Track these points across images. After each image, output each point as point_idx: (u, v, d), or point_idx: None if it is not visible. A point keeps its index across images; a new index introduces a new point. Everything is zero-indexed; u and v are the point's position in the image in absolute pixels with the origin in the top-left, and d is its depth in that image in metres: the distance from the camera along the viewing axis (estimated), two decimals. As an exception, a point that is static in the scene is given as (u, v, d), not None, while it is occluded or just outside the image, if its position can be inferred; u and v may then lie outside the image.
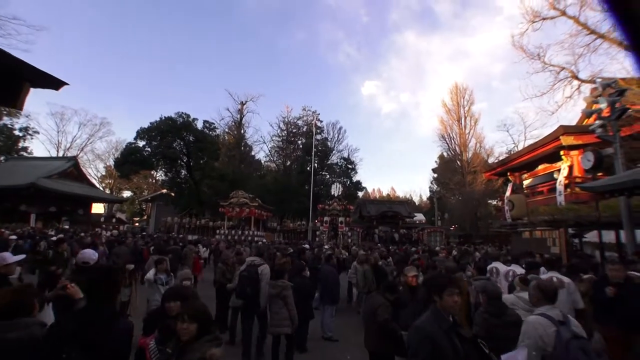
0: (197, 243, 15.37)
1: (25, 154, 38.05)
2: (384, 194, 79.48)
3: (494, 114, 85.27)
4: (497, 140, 79.58)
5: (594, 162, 9.62)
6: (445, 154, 41.35)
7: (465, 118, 37.32)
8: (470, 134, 36.83)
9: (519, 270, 5.31)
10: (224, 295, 6.63)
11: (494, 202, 38.61)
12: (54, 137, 48.00)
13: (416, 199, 66.41)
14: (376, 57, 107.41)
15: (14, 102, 3.08)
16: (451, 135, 37.78)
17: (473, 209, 30.96)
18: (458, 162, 38.00)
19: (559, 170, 16.25)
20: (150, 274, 5.24)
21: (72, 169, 31.05)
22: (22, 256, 4.12)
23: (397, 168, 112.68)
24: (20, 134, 38.48)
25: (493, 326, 3.19)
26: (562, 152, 15.85)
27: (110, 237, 17.15)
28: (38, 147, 72.09)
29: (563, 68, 11.76)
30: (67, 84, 3.07)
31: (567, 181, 14.96)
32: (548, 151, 16.23)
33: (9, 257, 3.71)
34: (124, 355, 2.14)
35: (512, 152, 35.42)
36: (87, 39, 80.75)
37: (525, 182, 22.26)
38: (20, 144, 38.68)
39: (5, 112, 36.39)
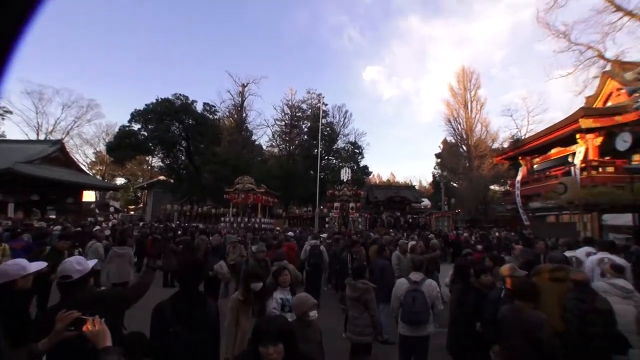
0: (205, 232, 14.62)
1: (-1, 137, 34.66)
2: (384, 179, 79.21)
3: (492, 102, 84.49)
4: (500, 126, 79.07)
5: (631, 142, 9.23)
6: (450, 138, 40.97)
7: (472, 102, 36.84)
8: (476, 118, 36.41)
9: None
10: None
11: (497, 187, 38.62)
12: (32, 119, 43.90)
13: (417, 185, 66.17)
14: (379, 42, 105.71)
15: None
16: (457, 119, 37.36)
17: (480, 193, 30.76)
18: (464, 147, 37.66)
19: (573, 154, 16.01)
20: (277, 296, 3.72)
21: (57, 154, 28.62)
22: (44, 264, 2.76)
23: (396, 154, 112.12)
24: (-10, 115, 33.99)
25: (585, 312, 3.16)
26: (578, 136, 15.58)
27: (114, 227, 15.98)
28: (13, 130, 66.35)
29: (590, 47, 11.26)
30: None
31: (582, 165, 14.72)
32: (564, 134, 15.96)
33: (29, 266, 2.54)
34: (216, 330, 2.64)
35: (515, 137, 35.22)
36: (69, 11, 78.09)
37: (537, 167, 22.11)
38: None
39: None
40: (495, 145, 35.94)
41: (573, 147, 16.06)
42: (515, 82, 79.43)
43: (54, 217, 22.57)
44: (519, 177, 22.13)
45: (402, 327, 4.05)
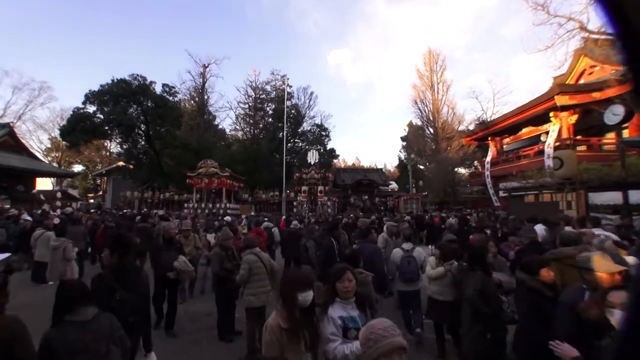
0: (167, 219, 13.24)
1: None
2: (349, 163, 79.12)
3: (457, 85, 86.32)
4: (465, 108, 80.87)
5: (623, 115, 8.88)
6: (416, 121, 41.10)
7: (438, 84, 36.86)
8: (443, 100, 36.53)
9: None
10: (225, 293, 5.17)
11: (463, 170, 39.40)
12: None
13: (382, 168, 66.60)
14: (344, 25, 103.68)
15: None
16: (424, 101, 37.30)
17: (448, 175, 31.00)
18: (430, 129, 37.83)
19: (546, 133, 16.01)
20: (336, 314, 2.34)
21: (6, 138, 26.29)
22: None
23: (361, 138, 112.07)
24: None
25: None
26: (551, 114, 15.55)
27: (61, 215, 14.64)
28: None
29: (570, 18, 10.83)
30: None
31: (557, 143, 14.72)
32: (537, 113, 15.87)
33: None
34: (148, 292, 3.28)
35: (481, 119, 35.96)
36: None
37: (506, 147, 22.30)
38: None
39: None
40: (462, 128, 36.46)
41: (545, 126, 16.07)
42: (479, 65, 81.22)
43: (8, 206, 20.54)
44: (488, 158, 22.22)
45: (400, 285, 5.21)
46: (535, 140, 17.78)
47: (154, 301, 5.08)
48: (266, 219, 11.48)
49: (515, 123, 18.47)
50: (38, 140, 46.13)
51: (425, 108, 37.37)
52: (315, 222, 12.24)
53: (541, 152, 14.99)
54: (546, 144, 14.65)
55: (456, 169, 37.34)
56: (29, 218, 10.69)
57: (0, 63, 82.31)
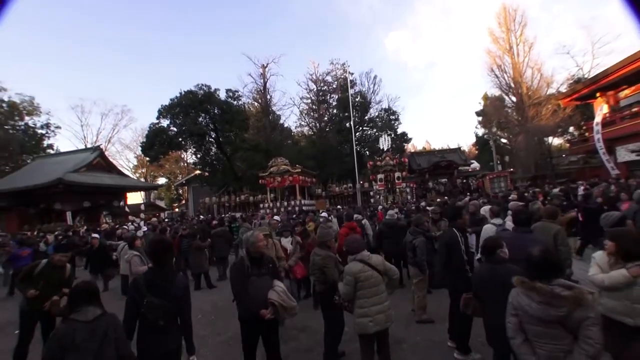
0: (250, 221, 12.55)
1: (51, 151, 37.57)
2: (419, 148, 75.16)
3: (539, 45, 75.28)
4: (554, 67, 64.01)
5: None
6: (493, 91, 36.87)
7: (518, 45, 32.31)
8: (525, 62, 31.92)
9: None
10: (332, 310, 3.95)
11: (556, 140, 34.49)
12: (79, 132, 47.48)
13: (459, 147, 61.84)
14: (400, 4, 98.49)
15: None
16: (502, 67, 33.01)
17: (540, 145, 27.09)
18: (512, 98, 33.55)
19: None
20: None
21: (98, 160, 29.58)
22: None
23: (428, 120, 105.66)
24: (43, 132, 37.78)
25: None
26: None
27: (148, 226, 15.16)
28: (65, 144, 72.60)
29: None
30: None
31: None
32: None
33: None
34: (185, 298, 2.88)
35: (576, 76, 31.02)
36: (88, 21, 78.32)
37: (623, 102, 18.45)
38: (45, 142, 38.21)
39: (25, 112, 35.61)
40: (552, 91, 31.73)
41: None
42: (563, 20, 69.74)
43: (110, 221, 23.88)
44: (598, 119, 18.61)
45: None
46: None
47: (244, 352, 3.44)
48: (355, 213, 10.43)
49: (638, 69, 14.98)
50: (126, 159, 52.91)
51: (504, 75, 32.98)
52: (399, 210, 11.22)
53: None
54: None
55: (549, 139, 32.79)
56: (96, 235, 10.06)
57: (88, 94, 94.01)
